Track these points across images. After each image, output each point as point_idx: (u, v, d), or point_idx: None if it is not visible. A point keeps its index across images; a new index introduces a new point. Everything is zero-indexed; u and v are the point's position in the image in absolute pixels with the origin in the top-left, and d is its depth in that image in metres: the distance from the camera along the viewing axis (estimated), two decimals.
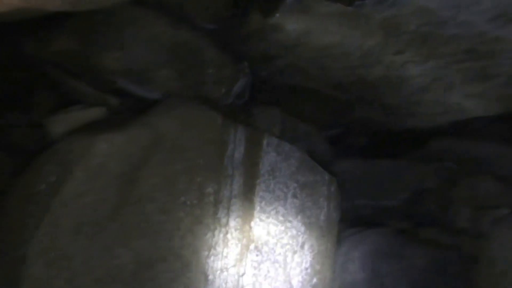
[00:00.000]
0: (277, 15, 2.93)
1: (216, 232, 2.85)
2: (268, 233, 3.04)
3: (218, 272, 2.80)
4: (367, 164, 3.73)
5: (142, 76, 2.95)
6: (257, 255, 2.97)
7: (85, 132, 2.73)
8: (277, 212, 3.11)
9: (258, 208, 3.04)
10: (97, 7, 2.60)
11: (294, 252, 3.14)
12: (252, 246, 2.97)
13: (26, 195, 2.60)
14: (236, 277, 2.87)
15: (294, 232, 3.15)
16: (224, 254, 2.85)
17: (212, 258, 2.79)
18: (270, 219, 3.07)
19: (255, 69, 3.42)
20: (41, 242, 2.48)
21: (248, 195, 3.03)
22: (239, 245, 2.92)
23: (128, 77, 2.93)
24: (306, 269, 3.17)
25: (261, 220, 3.04)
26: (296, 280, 3.11)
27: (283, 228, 3.11)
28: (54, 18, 2.74)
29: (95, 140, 2.64)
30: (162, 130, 2.80)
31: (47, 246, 2.49)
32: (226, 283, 2.81)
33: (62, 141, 2.71)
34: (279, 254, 3.06)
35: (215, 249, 2.83)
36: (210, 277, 2.76)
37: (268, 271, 2.98)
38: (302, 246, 3.17)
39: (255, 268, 2.95)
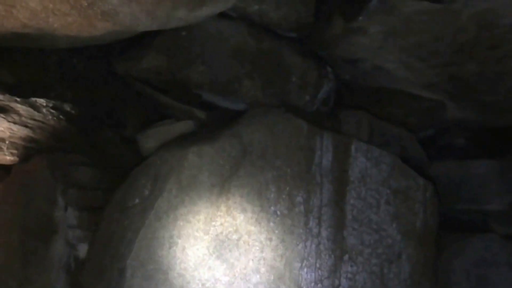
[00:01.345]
0: (360, 18, 2.84)
1: (308, 243, 2.78)
2: (362, 243, 2.92)
3: (313, 284, 2.73)
4: (465, 166, 3.46)
5: (227, 87, 2.97)
6: (351, 266, 2.86)
7: (175, 145, 2.78)
8: (370, 221, 2.98)
9: (350, 216, 2.93)
10: (183, 25, 2.66)
11: (391, 263, 2.98)
12: (346, 257, 2.86)
13: (122, 210, 2.70)
14: None
15: (390, 241, 3.00)
16: (318, 265, 2.77)
17: (305, 269, 2.72)
18: (363, 228, 2.95)
19: (339, 73, 3.34)
20: (138, 256, 2.56)
21: (338, 203, 2.93)
22: (332, 256, 2.83)
23: (213, 90, 2.97)
24: (405, 280, 2.99)
25: (353, 229, 2.92)
26: None
27: (377, 237, 2.97)
28: (142, 37, 2.85)
29: (186, 153, 2.68)
30: (250, 140, 2.79)
31: (145, 259, 2.55)
32: None
33: (154, 155, 2.78)
34: (375, 264, 2.92)
35: (308, 260, 2.76)
36: None
37: (365, 283, 2.86)
38: (399, 256, 3.01)
39: (350, 279, 2.84)
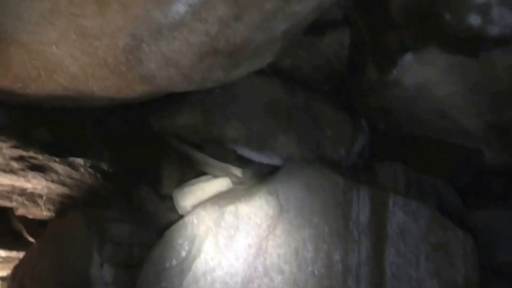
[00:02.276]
0: (394, 72, 2.83)
1: None
2: None
3: None
4: (507, 214, 3.35)
5: (262, 142, 2.96)
6: None
7: (212, 204, 2.77)
8: (410, 278, 2.88)
9: (389, 274, 2.84)
10: (218, 85, 2.68)
11: None
12: None
13: (159, 271, 2.68)
14: None
15: None
16: None
17: None
18: (403, 286, 2.85)
19: (373, 123, 3.30)
20: None
21: (377, 260, 2.85)
22: None
23: (248, 145, 2.96)
24: None
25: (393, 287, 2.83)
26: None
27: None
28: (177, 94, 2.88)
29: (223, 213, 2.66)
30: (286, 197, 2.76)
31: None
32: None
33: (191, 214, 2.77)
34: None
35: None
36: None
37: None
38: None
39: None
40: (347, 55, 3.05)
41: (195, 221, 2.72)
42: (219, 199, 2.80)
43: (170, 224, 2.84)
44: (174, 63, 2.27)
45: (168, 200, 2.96)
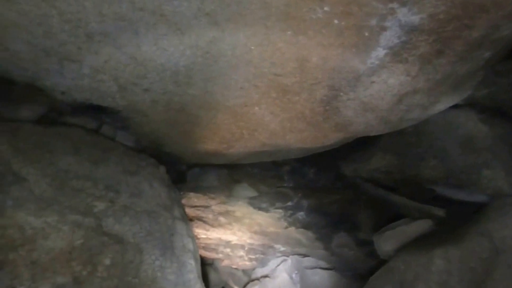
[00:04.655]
0: None
1: None
2: None
3: None
4: None
5: (462, 179, 2.77)
6: None
7: (416, 247, 2.64)
8: None
9: None
10: (413, 123, 2.61)
11: None
12: None
13: None
14: None
15: None
16: None
17: None
18: None
19: None
20: None
21: None
22: None
23: (447, 183, 2.79)
24: None
25: None
26: None
27: None
28: (366, 137, 2.87)
29: (432, 257, 2.51)
30: (501, 238, 2.50)
31: None
32: None
33: (395, 259, 2.68)
34: None
35: None
36: None
37: None
38: None
39: None
40: None
41: (402, 267, 2.61)
42: (423, 242, 2.65)
43: (369, 269, 2.76)
44: (372, 108, 2.28)
45: (366, 245, 2.90)
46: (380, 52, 1.95)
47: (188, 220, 2.81)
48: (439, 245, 2.55)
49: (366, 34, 1.83)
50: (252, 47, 1.98)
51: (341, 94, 2.23)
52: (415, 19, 1.76)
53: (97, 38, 1.99)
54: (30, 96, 2.31)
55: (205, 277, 3.56)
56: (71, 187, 2.27)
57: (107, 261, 2.20)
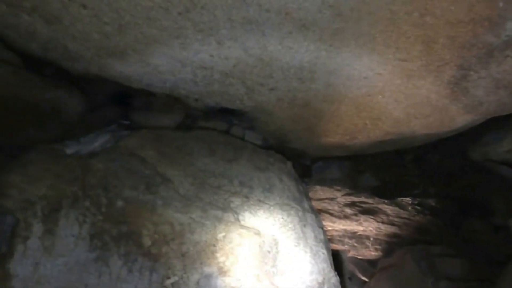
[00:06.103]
0: None
1: None
2: None
3: None
4: None
5: None
6: None
7: None
8: None
9: None
10: None
11: None
12: None
13: None
14: None
15: None
16: None
17: None
18: None
19: None
20: None
21: None
22: None
23: None
24: None
25: None
26: None
27: None
28: (490, 121, 2.72)
29: None
30: None
31: None
32: None
33: None
34: None
35: None
36: None
37: None
38: None
39: None
40: None
41: None
42: None
43: (505, 256, 2.62)
44: (505, 84, 2.18)
45: (501, 230, 2.76)
46: None
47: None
48: None
49: (501, 4, 1.76)
50: (376, 35, 2.00)
51: (471, 73, 2.16)
52: None
53: (227, 44, 2.13)
54: (168, 105, 2.54)
55: None
56: (209, 185, 2.45)
57: (247, 252, 2.33)
